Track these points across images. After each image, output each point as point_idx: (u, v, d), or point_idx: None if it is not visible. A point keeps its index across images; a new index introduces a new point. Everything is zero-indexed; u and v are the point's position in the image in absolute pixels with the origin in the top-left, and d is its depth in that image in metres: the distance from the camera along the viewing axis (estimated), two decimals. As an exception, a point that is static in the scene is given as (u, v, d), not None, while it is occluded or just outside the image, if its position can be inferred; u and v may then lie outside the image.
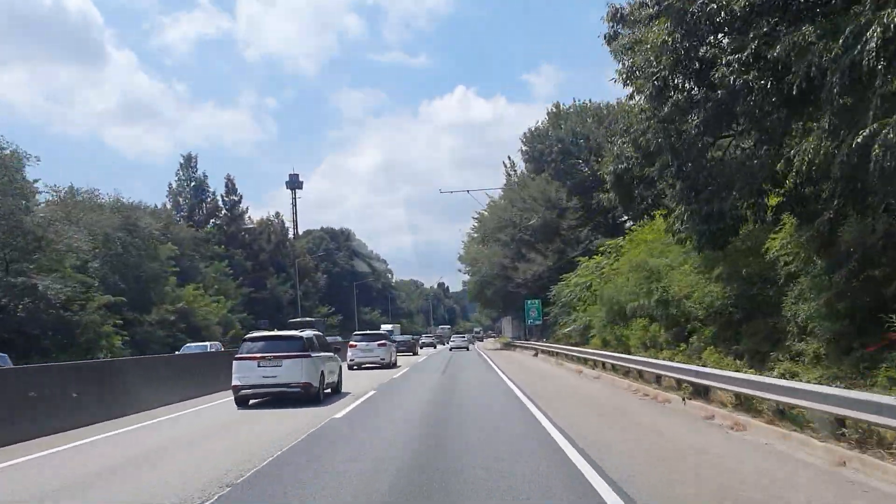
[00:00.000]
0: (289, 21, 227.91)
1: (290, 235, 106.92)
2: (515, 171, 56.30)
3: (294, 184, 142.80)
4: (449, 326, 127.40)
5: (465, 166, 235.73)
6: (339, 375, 16.88)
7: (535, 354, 35.94)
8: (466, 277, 62.20)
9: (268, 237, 79.61)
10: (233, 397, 14.12)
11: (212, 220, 69.22)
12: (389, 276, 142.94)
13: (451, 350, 52.19)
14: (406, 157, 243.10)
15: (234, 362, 14.13)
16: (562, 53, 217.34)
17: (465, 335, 72.41)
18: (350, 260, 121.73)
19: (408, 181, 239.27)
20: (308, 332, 15.98)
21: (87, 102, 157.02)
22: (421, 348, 53.24)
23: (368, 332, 34.73)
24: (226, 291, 54.63)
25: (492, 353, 43.55)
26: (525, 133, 55.67)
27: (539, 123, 54.45)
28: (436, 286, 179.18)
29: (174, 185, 68.98)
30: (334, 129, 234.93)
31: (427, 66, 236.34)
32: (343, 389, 16.68)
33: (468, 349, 54.30)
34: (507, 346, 60.14)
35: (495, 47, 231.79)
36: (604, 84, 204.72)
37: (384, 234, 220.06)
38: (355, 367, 27.29)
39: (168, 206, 64.15)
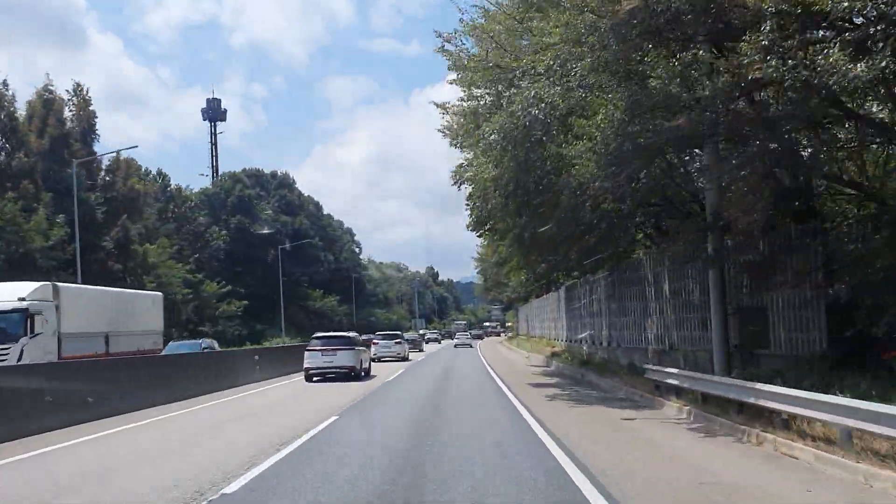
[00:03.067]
0: (274, 4, 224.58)
1: (208, 184, 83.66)
2: None
3: (213, 114, 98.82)
4: (465, 322, 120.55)
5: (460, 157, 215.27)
6: (369, 363, 27.36)
7: None
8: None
9: (40, 127, 42.54)
10: (302, 376, 23.67)
11: None
12: (356, 249, 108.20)
13: (455, 347, 58.64)
14: (399, 148, 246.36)
15: (306, 352, 23.73)
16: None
17: (469, 333, 78.17)
18: (281, 216, 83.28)
19: (401, 172, 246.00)
20: (352, 333, 28.90)
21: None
22: (426, 343, 64.72)
23: (387, 332, 43.01)
24: None
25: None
26: None
27: None
28: (423, 271, 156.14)
29: None
30: (324, 118, 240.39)
31: (420, 54, 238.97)
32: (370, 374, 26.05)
33: (472, 346, 59.72)
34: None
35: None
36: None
37: (379, 228, 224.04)
38: (375, 360, 33.59)
39: None
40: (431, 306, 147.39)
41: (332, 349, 23.04)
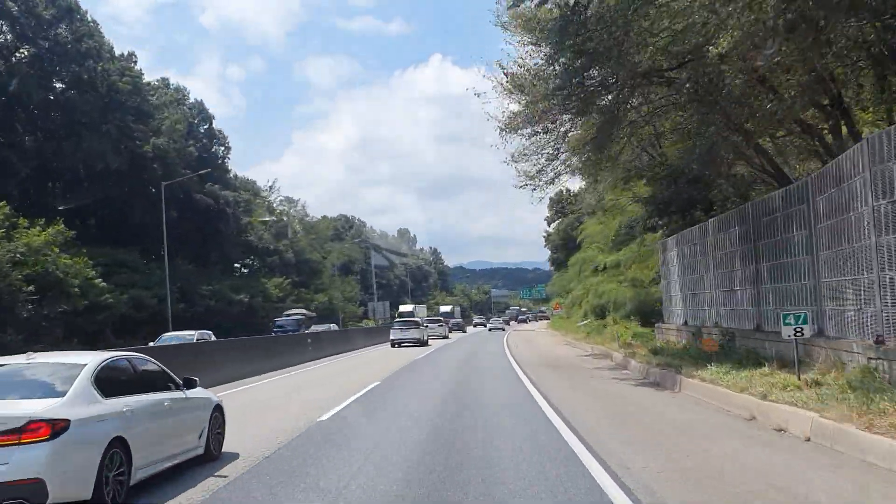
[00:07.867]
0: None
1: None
2: None
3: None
4: (518, 308, 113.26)
5: (443, 141, 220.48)
6: (427, 336, 44.24)
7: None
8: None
9: None
10: (388, 344, 40.13)
11: None
12: (218, 155, 62.52)
13: (489, 331, 66.77)
14: (381, 133, 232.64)
15: (391, 330, 41.70)
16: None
17: (501, 320, 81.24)
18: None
19: (385, 158, 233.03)
20: (418, 318, 53.74)
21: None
22: (474, 327, 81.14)
23: (434, 317, 65.42)
24: None
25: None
26: None
27: None
28: (395, 234, 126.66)
29: None
30: (303, 103, 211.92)
31: (402, 33, 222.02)
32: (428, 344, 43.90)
33: (504, 330, 67.04)
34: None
35: (473, 12, 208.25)
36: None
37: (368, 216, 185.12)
38: None
39: None
40: (402, 281, 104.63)
41: (407, 328, 40.86)
